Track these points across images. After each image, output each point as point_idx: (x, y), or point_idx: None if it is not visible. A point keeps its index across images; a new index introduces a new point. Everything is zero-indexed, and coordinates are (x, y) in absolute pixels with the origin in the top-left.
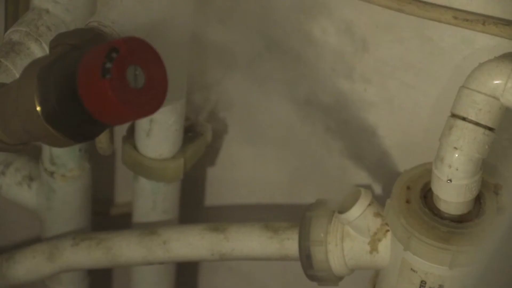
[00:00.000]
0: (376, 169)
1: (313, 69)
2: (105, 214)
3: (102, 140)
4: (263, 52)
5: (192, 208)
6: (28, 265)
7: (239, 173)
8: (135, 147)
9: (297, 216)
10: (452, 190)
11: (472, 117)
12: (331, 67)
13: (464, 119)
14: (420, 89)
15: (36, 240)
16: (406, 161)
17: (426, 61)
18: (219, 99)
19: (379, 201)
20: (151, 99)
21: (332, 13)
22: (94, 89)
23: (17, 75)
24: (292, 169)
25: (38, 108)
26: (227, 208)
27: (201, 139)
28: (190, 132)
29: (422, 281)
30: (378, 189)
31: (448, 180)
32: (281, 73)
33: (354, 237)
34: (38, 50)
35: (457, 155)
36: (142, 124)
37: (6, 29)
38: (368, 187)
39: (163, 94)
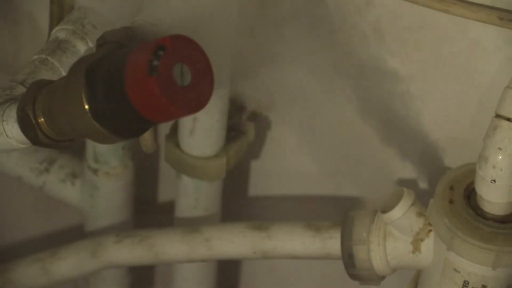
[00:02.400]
0: (423, 166)
1: (359, 67)
2: (144, 212)
3: (146, 138)
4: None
5: (236, 199)
6: (71, 261)
7: (284, 164)
8: (178, 146)
9: (340, 210)
10: (496, 191)
11: None
12: (375, 66)
13: (508, 119)
14: (464, 90)
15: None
16: (450, 163)
17: (471, 62)
18: (263, 97)
19: (422, 200)
20: (197, 96)
21: (376, 13)
22: (141, 87)
23: (64, 73)
24: (337, 161)
25: (86, 106)
26: (270, 200)
27: (243, 138)
28: (233, 131)
29: (465, 281)
30: (424, 186)
31: (492, 180)
32: (330, 68)
33: (397, 237)
34: (84, 48)
35: (501, 156)
36: (186, 122)
37: (51, 28)
38: (414, 183)
39: (209, 92)
